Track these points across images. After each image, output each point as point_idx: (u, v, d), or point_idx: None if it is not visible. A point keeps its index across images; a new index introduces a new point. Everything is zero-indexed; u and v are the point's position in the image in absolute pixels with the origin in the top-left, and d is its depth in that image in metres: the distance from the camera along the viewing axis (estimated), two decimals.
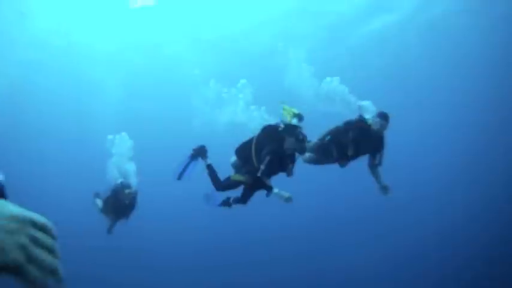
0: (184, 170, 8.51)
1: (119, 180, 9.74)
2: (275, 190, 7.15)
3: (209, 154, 8.51)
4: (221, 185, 8.16)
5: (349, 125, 8.00)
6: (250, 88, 8.85)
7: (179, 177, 8.50)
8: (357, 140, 7.84)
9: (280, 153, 7.37)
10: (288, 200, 7.03)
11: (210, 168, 8.35)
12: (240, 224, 19.15)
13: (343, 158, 8.11)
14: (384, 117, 7.80)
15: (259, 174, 7.19)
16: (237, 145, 8.19)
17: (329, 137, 8.15)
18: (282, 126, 7.54)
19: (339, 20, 18.74)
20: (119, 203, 9.55)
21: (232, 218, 12.06)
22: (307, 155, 8.36)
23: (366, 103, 8.08)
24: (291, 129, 7.40)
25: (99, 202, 10.15)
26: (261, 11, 18.77)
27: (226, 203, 8.40)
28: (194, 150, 8.56)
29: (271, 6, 18.61)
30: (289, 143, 7.36)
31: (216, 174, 8.25)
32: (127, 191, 9.39)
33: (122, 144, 10.65)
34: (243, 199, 8.17)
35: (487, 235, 21.07)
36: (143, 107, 23.29)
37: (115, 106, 21.21)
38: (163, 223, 22.39)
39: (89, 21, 19.00)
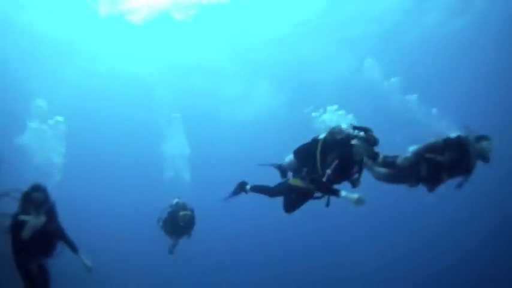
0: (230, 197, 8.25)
1: (175, 201, 9.87)
2: (343, 193, 6.40)
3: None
4: (274, 191, 7.63)
5: (449, 145, 6.97)
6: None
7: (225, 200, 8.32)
8: (453, 163, 6.90)
9: (349, 159, 6.70)
10: (359, 201, 6.22)
11: (254, 189, 7.92)
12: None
13: (431, 181, 7.19)
14: (488, 141, 6.88)
15: (325, 179, 6.57)
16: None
17: (419, 152, 7.10)
18: (352, 129, 6.88)
19: None
20: (176, 224, 9.60)
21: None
22: (382, 170, 7.50)
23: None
24: (363, 132, 6.72)
25: (160, 222, 10.30)
26: None
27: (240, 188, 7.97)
28: (234, 189, 8.24)
29: None
30: (358, 148, 6.67)
31: (264, 187, 7.77)
32: (182, 213, 9.42)
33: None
34: (290, 207, 7.61)
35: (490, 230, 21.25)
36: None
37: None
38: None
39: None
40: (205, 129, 25.08)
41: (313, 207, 7.58)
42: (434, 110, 7.75)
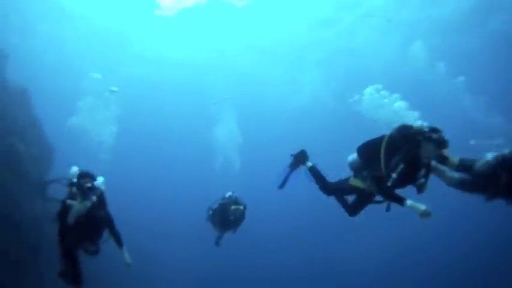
0: (286, 179, 7.51)
1: (228, 194, 9.61)
2: (408, 203, 5.74)
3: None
4: (331, 188, 7.02)
5: None
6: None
7: (281, 187, 7.55)
8: None
9: (416, 162, 6.00)
10: (425, 214, 5.63)
11: (313, 170, 7.20)
12: None
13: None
14: None
15: (389, 184, 5.91)
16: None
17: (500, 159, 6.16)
18: (421, 127, 6.18)
19: None
20: (226, 217, 9.36)
21: None
22: (456, 175, 6.62)
23: None
24: (432, 133, 5.99)
25: (209, 212, 10.11)
26: None
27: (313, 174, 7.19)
28: (294, 157, 7.48)
29: None
30: (427, 149, 5.96)
31: (322, 176, 7.11)
32: (233, 207, 9.18)
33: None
34: (353, 209, 6.96)
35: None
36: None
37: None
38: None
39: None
40: (255, 115, 24.81)
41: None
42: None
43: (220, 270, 22.12)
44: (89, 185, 6.12)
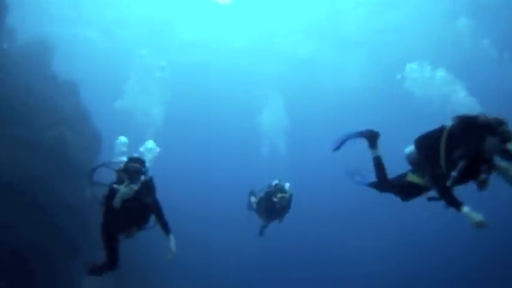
0: (343, 142, 6.86)
1: (274, 182, 9.35)
2: (465, 209, 5.26)
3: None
4: (388, 184, 6.47)
5: None
6: None
7: (336, 149, 6.88)
8: None
9: (478, 157, 5.39)
10: (481, 225, 5.14)
11: (377, 160, 6.57)
12: None
13: None
14: None
15: (449, 184, 5.37)
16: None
17: None
18: (486, 119, 5.45)
19: None
20: (272, 206, 9.17)
21: None
22: None
23: None
24: (495, 125, 5.31)
25: (254, 200, 9.99)
26: None
27: (381, 185, 6.55)
28: (365, 132, 6.78)
29: None
30: (491, 143, 5.32)
31: (384, 171, 6.51)
32: (280, 195, 8.97)
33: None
34: (406, 194, 6.35)
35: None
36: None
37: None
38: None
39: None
40: (301, 99, 24.37)
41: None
42: None
43: (264, 257, 21.95)
44: (136, 168, 5.96)
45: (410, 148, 6.13)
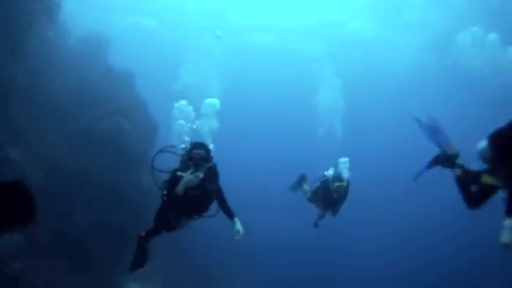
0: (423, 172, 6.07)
1: (330, 171, 9.07)
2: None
3: None
4: (474, 200, 5.32)
5: None
6: None
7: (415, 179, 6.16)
8: None
9: None
10: (507, 247, 4.36)
11: (460, 180, 5.58)
12: None
13: None
14: None
15: None
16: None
17: None
18: None
19: None
20: (329, 195, 8.87)
21: None
22: None
23: None
24: None
25: (307, 188, 9.63)
26: None
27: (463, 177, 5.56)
28: (436, 158, 5.91)
29: None
30: None
31: (469, 186, 5.43)
32: (337, 184, 8.63)
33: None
34: (476, 201, 5.32)
35: None
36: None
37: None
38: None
39: None
40: (357, 80, 23.60)
41: None
42: None
43: (320, 242, 21.64)
44: (201, 155, 5.78)
45: (483, 143, 5.20)
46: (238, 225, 6.01)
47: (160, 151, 6.25)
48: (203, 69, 13.37)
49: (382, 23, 22.76)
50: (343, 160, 9.08)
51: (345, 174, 8.83)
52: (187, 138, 6.66)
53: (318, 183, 9.23)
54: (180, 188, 5.60)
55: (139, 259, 6.31)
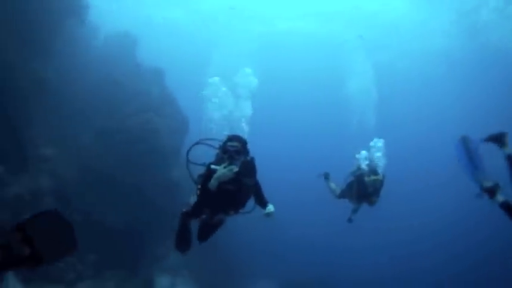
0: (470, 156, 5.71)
1: (364, 164, 8.79)
2: None
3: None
4: None
5: None
6: None
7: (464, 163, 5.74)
8: None
9: None
10: None
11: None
12: None
13: None
14: None
15: None
16: None
17: None
18: None
19: None
20: (364, 189, 8.59)
21: None
22: None
23: None
24: None
25: (333, 186, 9.45)
26: None
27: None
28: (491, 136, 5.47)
29: None
30: None
31: None
32: (372, 177, 8.37)
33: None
34: None
35: None
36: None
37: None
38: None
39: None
40: (390, 67, 23.01)
41: None
42: None
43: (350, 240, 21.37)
44: (236, 148, 5.49)
45: None
46: (271, 206, 5.71)
47: (197, 143, 5.93)
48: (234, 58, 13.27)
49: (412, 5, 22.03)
50: (376, 143, 8.84)
51: (380, 163, 8.60)
52: (225, 133, 6.25)
53: (351, 178, 8.92)
54: (213, 183, 5.33)
55: (183, 238, 6.06)
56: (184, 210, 5.99)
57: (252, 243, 17.13)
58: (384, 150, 8.83)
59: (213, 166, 5.45)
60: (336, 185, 9.41)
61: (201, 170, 5.77)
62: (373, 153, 8.86)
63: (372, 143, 8.91)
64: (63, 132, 12.16)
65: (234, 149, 5.43)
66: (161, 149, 13.86)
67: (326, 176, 9.69)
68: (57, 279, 9.85)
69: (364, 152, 8.85)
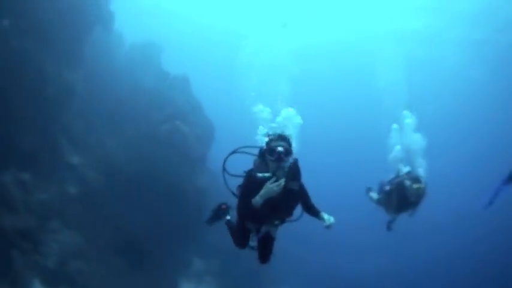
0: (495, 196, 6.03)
1: (405, 170, 8.06)
2: None
3: None
4: None
5: None
6: None
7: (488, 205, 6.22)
8: None
9: None
10: None
11: None
12: None
13: None
14: None
15: None
16: None
17: None
18: None
19: None
20: (405, 198, 7.77)
21: None
22: None
23: None
24: None
25: (374, 195, 8.66)
26: None
27: None
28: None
29: None
30: None
31: None
32: (415, 186, 7.54)
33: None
34: None
35: None
36: None
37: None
38: None
39: None
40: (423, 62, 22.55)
41: None
42: None
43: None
44: (285, 148, 4.73)
45: None
46: (327, 216, 5.05)
47: (235, 152, 5.26)
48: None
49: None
50: (414, 140, 8.08)
51: (421, 167, 7.77)
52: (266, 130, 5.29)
53: (388, 187, 8.12)
54: (258, 200, 4.64)
55: (213, 218, 5.79)
56: (223, 206, 5.66)
57: (276, 248, 16.82)
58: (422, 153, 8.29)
59: (259, 174, 4.77)
60: (377, 193, 8.58)
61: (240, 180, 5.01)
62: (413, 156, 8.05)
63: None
64: (91, 139, 12.27)
65: (284, 149, 4.72)
66: (188, 156, 13.88)
67: (368, 191, 8.89)
68: (83, 285, 9.84)
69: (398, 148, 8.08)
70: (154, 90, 14.79)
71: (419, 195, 7.47)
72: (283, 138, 4.82)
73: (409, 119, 8.18)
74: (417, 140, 8.05)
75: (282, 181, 4.61)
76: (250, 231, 5.16)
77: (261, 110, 5.34)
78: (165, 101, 14.76)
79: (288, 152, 4.70)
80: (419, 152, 7.88)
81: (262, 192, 4.58)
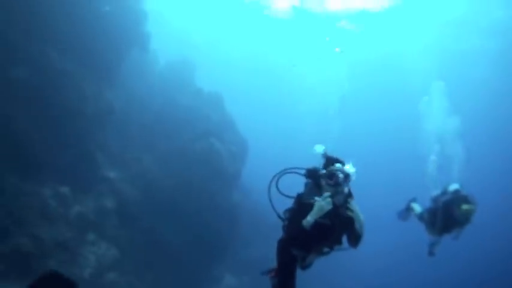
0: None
1: (452, 187, 7.37)
2: None
3: None
4: None
5: None
6: None
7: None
8: None
9: None
10: None
11: None
12: None
13: None
14: None
15: None
16: None
17: None
18: None
19: None
20: (452, 219, 7.17)
21: None
22: None
23: None
24: None
25: (417, 207, 8.05)
26: None
27: None
28: None
29: None
30: None
31: None
32: (465, 207, 6.94)
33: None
34: None
35: None
36: None
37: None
38: None
39: None
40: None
41: None
42: None
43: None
44: (345, 172, 4.49)
45: None
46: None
47: (285, 172, 4.91)
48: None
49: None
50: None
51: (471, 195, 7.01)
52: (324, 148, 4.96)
53: (436, 204, 7.50)
54: (309, 220, 4.37)
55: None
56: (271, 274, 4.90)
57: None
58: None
59: (317, 198, 4.45)
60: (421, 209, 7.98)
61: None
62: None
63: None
64: (127, 154, 12.57)
65: (345, 174, 4.48)
66: (222, 173, 13.97)
67: (413, 200, 8.29)
68: None
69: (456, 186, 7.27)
70: (189, 107, 15.06)
71: (469, 217, 6.90)
72: (339, 161, 4.61)
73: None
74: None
75: (329, 201, 4.37)
76: (296, 260, 4.72)
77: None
78: (199, 117, 15.04)
79: (347, 176, 4.48)
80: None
81: (314, 210, 4.37)
